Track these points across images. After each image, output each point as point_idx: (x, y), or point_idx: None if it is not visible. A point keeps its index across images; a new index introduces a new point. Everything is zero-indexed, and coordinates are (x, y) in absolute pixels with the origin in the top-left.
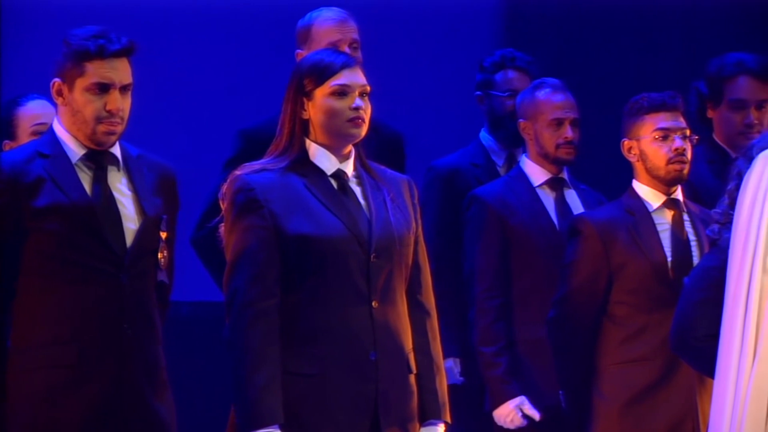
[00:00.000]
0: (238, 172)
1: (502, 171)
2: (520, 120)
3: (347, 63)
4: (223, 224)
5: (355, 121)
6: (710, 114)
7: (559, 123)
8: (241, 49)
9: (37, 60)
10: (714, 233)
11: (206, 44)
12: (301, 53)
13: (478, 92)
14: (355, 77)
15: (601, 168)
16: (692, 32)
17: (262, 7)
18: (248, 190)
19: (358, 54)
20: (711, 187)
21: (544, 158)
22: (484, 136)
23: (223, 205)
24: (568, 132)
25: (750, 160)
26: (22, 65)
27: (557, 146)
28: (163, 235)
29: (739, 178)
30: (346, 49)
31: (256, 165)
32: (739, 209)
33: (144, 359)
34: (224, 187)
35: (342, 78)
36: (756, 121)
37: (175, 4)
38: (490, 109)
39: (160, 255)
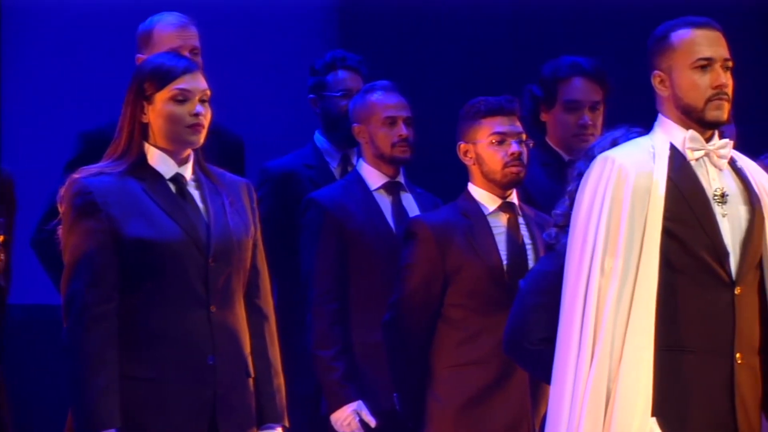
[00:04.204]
0: (76, 176)
1: (336, 172)
2: (354, 124)
3: (189, 68)
4: (61, 227)
5: (195, 127)
6: (544, 117)
7: (392, 122)
8: (82, 50)
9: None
10: (551, 237)
11: (48, 45)
12: (142, 58)
13: (311, 95)
14: (196, 82)
15: (436, 171)
16: (524, 35)
17: (105, 9)
18: (86, 193)
19: (199, 60)
20: (545, 189)
21: (380, 160)
22: (318, 137)
23: (61, 209)
24: (402, 129)
25: (590, 160)
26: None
27: (393, 145)
28: (0, 238)
29: (580, 179)
30: (186, 55)
31: (93, 168)
32: (576, 210)
33: None
34: (62, 190)
35: (183, 83)
36: (590, 123)
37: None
38: (324, 111)
39: None
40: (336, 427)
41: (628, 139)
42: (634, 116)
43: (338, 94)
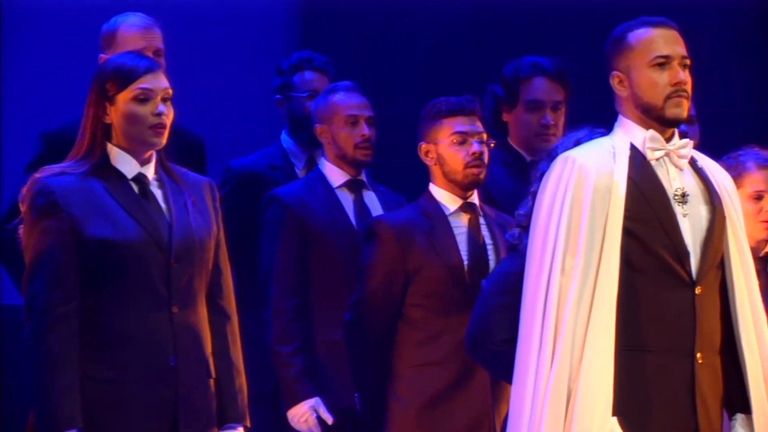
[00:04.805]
0: (38, 175)
1: (301, 174)
2: (316, 125)
3: (150, 68)
4: (22, 227)
5: (157, 128)
6: (506, 117)
7: (354, 122)
8: (45, 50)
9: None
10: (514, 238)
11: (8, 45)
12: (105, 57)
13: (277, 96)
14: (158, 82)
15: (400, 171)
16: (487, 35)
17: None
18: (48, 193)
19: (162, 61)
20: (507, 190)
21: (342, 160)
22: (284, 138)
23: (22, 208)
24: (364, 129)
25: (553, 161)
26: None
27: (355, 146)
28: None
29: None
30: (150, 56)
31: (56, 168)
32: (537, 210)
33: None
34: (24, 190)
35: (145, 83)
36: (552, 122)
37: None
38: (290, 112)
39: None
40: (293, 424)
41: (591, 139)
42: (597, 116)
43: (305, 95)
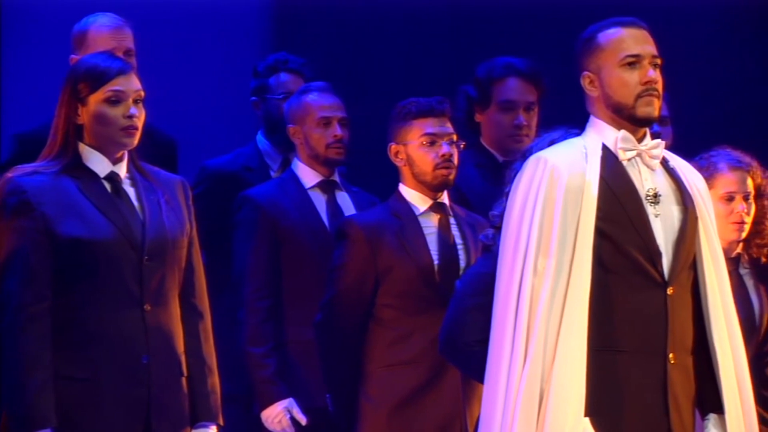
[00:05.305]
0: (9, 175)
1: (275, 176)
2: (289, 125)
3: (123, 69)
4: None
5: (128, 130)
6: (478, 118)
7: (327, 123)
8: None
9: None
10: (488, 239)
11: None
12: (76, 59)
13: (253, 98)
14: (130, 83)
15: (374, 171)
16: (460, 35)
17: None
18: (20, 192)
19: (133, 61)
20: (479, 190)
21: (315, 160)
22: (260, 139)
23: None
24: (337, 130)
25: None
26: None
27: (327, 146)
28: None
29: None
30: (120, 56)
31: (28, 168)
32: (509, 210)
33: None
34: None
35: (117, 85)
36: (525, 123)
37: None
38: (266, 114)
39: None
40: (266, 425)
41: (565, 140)
42: (570, 117)
43: (280, 96)
